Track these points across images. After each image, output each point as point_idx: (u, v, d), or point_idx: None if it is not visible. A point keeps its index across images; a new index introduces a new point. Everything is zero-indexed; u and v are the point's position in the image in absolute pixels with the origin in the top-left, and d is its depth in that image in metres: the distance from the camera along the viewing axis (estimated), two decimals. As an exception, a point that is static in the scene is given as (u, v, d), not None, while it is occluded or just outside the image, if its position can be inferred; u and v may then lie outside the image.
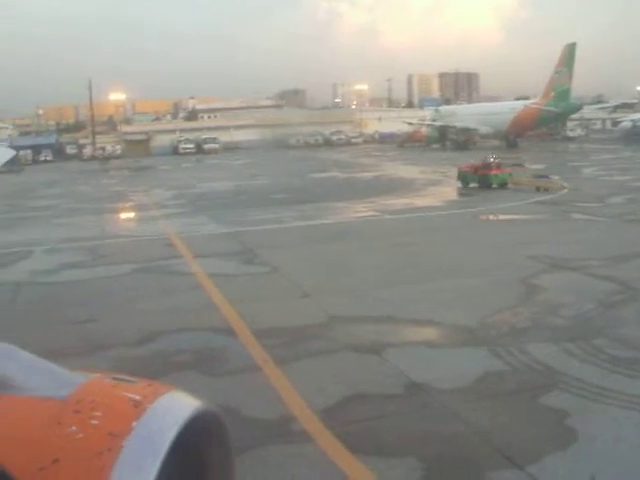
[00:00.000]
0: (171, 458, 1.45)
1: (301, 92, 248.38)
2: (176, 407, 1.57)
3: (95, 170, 67.29)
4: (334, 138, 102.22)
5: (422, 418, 7.16)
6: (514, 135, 72.55)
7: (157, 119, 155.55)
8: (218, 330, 10.61)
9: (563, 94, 67.63)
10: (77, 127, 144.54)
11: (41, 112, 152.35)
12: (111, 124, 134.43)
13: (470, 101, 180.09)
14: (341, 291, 12.87)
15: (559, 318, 10.46)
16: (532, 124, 72.02)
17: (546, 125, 77.15)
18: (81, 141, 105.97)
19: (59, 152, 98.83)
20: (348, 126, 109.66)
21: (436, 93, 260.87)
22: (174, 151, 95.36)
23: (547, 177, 32.76)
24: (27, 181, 55.64)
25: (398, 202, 27.18)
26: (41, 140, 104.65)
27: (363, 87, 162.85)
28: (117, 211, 31.02)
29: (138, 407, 1.52)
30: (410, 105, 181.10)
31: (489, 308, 11.06)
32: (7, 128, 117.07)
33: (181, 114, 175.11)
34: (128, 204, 33.75)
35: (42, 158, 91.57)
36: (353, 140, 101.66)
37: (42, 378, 1.62)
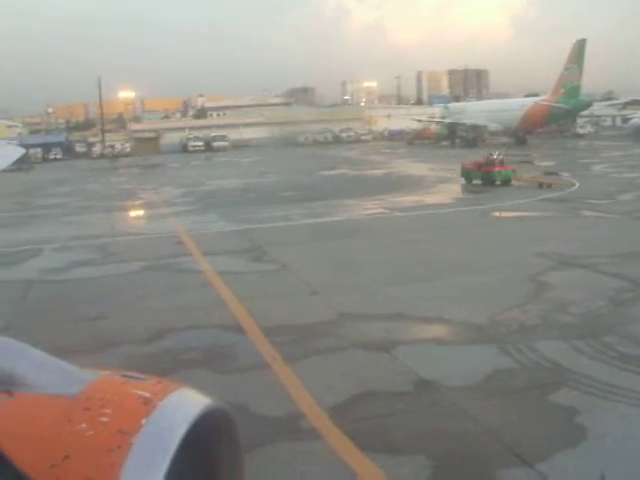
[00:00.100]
0: (181, 455, 1.46)
1: (310, 90, 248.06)
2: (185, 404, 1.58)
3: (105, 168, 67.41)
4: (343, 135, 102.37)
5: (431, 416, 7.16)
6: (523, 132, 72.37)
7: (166, 117, 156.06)
8: (227, 327, 10.63)
9: (573, 91, 67.36)
10: (87, 125, 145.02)
11: (51, 110, 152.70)
12: (120, 122, 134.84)
13: (479, 98, 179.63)
14: (350, 288, 12.86)
15: (568, 315, 10.43)
16: (542, 121, 71.78)
17: (556, 122, 76.86)
18: (90, 139, 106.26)
19: (69, 150, 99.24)
20: (357, 123, 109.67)
21: (445, 90, 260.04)
22: (183, 149, 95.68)
23: (557, 174, 32.69)
24: (37, 179, 55.84)
25: (407, 199, 27.15)
26: (51, 138, 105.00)
27: (372, 84, 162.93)
28: (126, 209, 31.09)
29: (148, 404, 1.53)
30: (419, 102, 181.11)
31: (498, 305, 11.04)
32: (17, 126, 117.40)
33: (190, 112, 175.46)
34: (137, 202, 33.83)
35: (52, 156, 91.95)
36: (362, 137, 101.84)
37: (52, 376, 1.63)
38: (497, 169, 30.06)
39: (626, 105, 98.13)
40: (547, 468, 5.83)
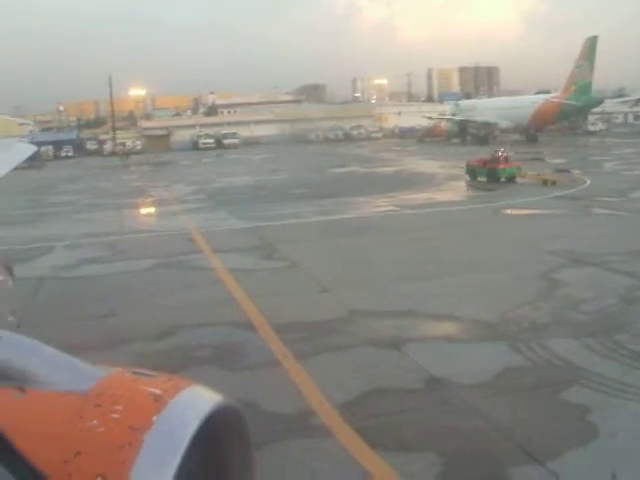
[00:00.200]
0: (192, 452, 1.46)
1: (321, 87, 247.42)
2: (197, 401, 1.58)
3: (115, 166, 67.60)
4: (354, 133, 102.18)
5: (442, 413, 7.15)
6: (534, 129, 71.97)
7: (177, 114, 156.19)
8: (238, 325, 10.65)
9: (584, 88, 66.95)
10: (98, 123, 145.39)
11: (62, 108, 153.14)
12: (131, 119, 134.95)
13: (490, 95, 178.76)
14: (360, 286, 12.85)
15: (580, 313, 10.40)
16: (553, 118, 71.35)
17: (567, 119, 76.37)
18: (101, 137, 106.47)
19: (80, 148, 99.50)
20: (368, 121, 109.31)
21: (456, 87, 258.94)
22: (194, 146, 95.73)
23: (568, 171, 32.56)
24: (48, 177, 56.06)
25: (418, 197, 27.10)
26: (62, 136, 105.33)
27: (383, 81, 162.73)
28: (137, 206, 31.20)
29: (159, 401, 1.54)
30: (430, 99, 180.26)
31: (509, 303, 11.01)
32: (29, 124, 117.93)
33: (201, 109, 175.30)
34: (148, 199, 33.91)
35: (63, 154, 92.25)
36: (373, 135, 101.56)
37: (64, 372, 1.64)
38: (502, 166, 30.03)
39: (638, 102, 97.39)
40: (558, 466, 5.82)
